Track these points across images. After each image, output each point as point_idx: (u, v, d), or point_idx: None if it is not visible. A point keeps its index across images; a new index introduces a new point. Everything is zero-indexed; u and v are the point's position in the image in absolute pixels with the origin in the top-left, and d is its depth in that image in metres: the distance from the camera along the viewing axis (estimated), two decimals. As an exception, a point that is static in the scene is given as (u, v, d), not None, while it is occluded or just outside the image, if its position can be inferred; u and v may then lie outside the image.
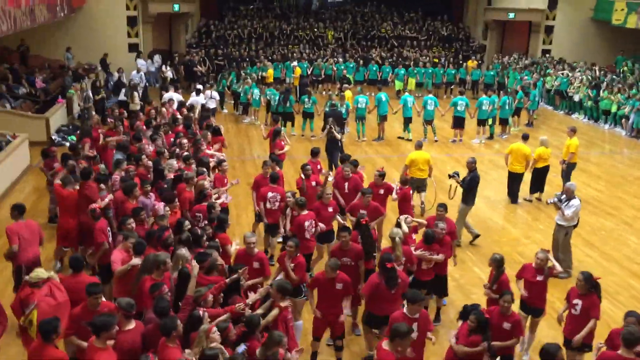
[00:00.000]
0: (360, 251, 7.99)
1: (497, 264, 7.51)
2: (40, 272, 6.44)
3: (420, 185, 12.32)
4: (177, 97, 17.54)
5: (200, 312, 5.81)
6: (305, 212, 8.93)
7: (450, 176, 11.11)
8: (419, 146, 12.61)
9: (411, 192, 12.35)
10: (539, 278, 7.53)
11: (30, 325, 6.08)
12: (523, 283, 7.71)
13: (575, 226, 10.19)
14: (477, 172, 11.19)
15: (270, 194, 9.78)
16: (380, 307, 7.22)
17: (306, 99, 18.52)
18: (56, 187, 9.38)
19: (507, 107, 18.98)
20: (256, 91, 19.77)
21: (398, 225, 8.36)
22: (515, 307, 7.64)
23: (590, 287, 6.97)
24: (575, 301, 7.03)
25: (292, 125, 18.72)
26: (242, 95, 20.36)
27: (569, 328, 7.14)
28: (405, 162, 12.45)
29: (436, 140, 18.37)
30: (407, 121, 18.52)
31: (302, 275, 7.55)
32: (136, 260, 6.97)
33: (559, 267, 7.65)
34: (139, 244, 7.14)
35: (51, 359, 5.28)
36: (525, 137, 13.72)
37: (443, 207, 8.98)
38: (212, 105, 18.52)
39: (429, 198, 12.45)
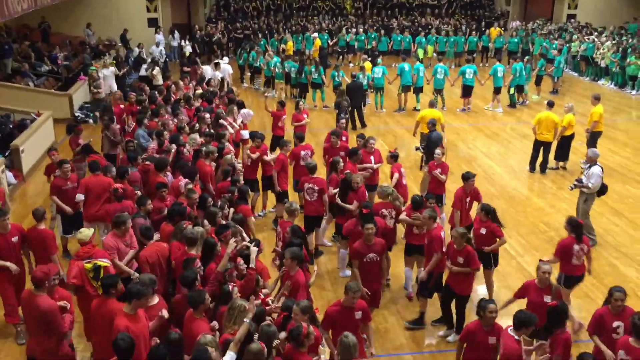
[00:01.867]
0: (384, 243, 7.43)
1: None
2: (86, 232, 6.87)
3: None
4: (210, 70, 17.79)
5: (230, 287, 5.86)
6: (315, 176, 9.14)
7: (416, 148, 12.13)
8: (431, 105, 13.66)
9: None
10: (547, 299, 6.22)
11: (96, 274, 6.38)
12: (527, 305, 6.41)
13: (599, 194, 10.01)
14: (436, 132, 11.80)
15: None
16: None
17: (313, 69, 18.28)
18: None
19: (523, 74, 18.62)
20: (279, 64, 19.63)
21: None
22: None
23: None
24: (615, 324, 5.92)
25: (304, 97, 18.34)
26: (265, 69, 20.22)
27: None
28: (416, 119, 13.38)
29: (443, 109, 17.71)
30: (417, 91, 18.18)
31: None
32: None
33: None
34: (146, 229, 7.04)
35: (115, 309, 5.59)
36: (550, 104, 13.48)
37: (433, 197, 8.67)
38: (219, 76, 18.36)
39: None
